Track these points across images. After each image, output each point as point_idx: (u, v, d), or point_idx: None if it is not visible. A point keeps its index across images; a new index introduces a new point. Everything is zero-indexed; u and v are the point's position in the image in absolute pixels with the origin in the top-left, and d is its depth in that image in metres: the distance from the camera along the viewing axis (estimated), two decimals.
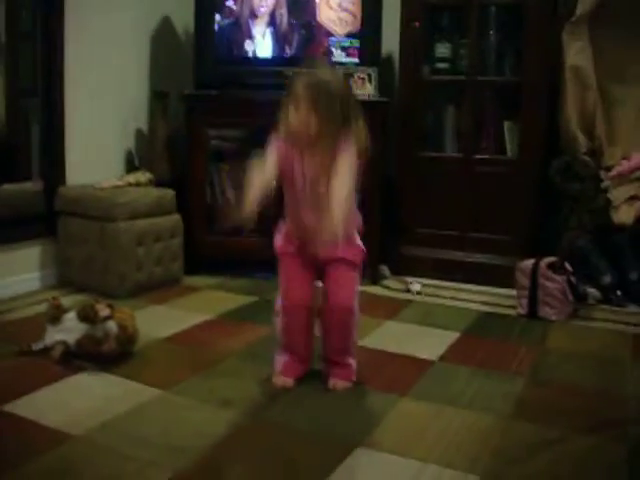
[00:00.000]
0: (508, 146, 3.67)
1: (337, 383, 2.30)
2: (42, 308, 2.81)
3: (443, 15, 3.77)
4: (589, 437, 2.01)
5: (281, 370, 2.35)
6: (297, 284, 2.32)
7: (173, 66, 4.15)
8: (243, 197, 2.17)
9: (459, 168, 3.70)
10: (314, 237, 2.23)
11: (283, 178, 2.27)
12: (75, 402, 2.16)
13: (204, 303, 3.27)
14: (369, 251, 3.49)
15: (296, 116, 2.15)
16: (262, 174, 2.19)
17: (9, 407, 2.10)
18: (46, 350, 2.50)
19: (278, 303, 2.37)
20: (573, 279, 3.20)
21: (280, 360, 2.37)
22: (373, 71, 3.58)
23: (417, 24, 3.65)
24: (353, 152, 2.19)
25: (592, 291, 3.36)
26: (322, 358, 2.39)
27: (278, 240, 2.38)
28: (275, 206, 2.34)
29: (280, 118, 2.22)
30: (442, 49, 3.76)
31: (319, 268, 2.33)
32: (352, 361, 2.35)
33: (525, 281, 3.18)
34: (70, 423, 2.00)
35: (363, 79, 3.57)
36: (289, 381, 2.32)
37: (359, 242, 2.36)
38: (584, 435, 2.02)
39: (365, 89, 3.56)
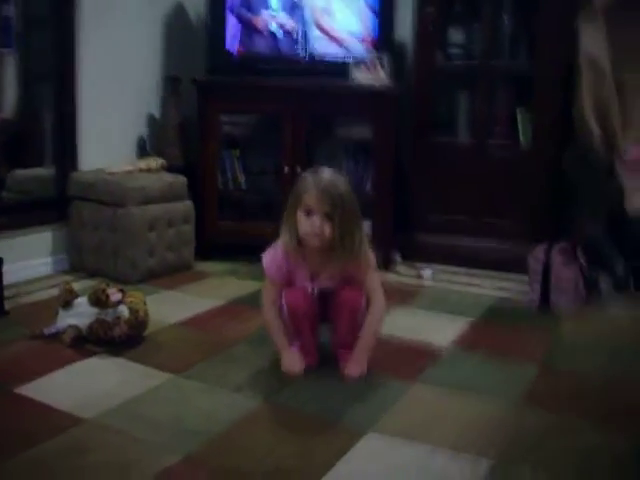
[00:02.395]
0: (521, 133, 3.64)
1: (350, 368, 2.29)
2: (54, 293, 2.83)
3: (456, 0, 3.73)
4: (602, 425, 2.00)
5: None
6: (299, 292, 2.32)
7: (185, 52, 4.13)
8: (277, 347, 2.34)
9: (472, 154, 3.68)
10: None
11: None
12: (87, 385, 2.17)
13: (215, 288, 3.28)
14: (381, 237, 3.52)
15: (309, 222, 2.17)
16: (273, 313, 2.33)
17: (22, 390, 2.11)
18: (58, 334, 2.51)
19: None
20: (585, 267, 3.18)
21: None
22: (385, 57, 3.56)
23: (430, 9, 3.63)
24: (373, 263, 2.31)
25: (604, 279, 3.33)
26: (333, 345, 2.39)
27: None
28: None
29: (284, 223, 2.25)
30: (455, 35, 3.73)
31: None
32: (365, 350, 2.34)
33: (538, 267, 3.16)
34: (82, 406, 2.01)
35: (375, 65, 3.55)
36: (299, 365, 2.31)
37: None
38: (597, 423, 2.01)
39: (377, 75, 3.54)
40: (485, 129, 3.68)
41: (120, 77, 3.74)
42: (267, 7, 3.73)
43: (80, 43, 3.47)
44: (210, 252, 3.73)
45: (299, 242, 2.23)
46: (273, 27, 3.74)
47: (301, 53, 3.70)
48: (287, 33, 3.72)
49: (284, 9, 3.72)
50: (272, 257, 2.30)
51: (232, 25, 3.74)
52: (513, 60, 3.64)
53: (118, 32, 3.69)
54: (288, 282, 2.32)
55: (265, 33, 3.74)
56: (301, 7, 3.70)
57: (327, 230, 2.17)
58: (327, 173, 2.23)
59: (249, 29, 3.75)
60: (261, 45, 3.77)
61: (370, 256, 2.30)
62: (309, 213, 2.17)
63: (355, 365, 2.26)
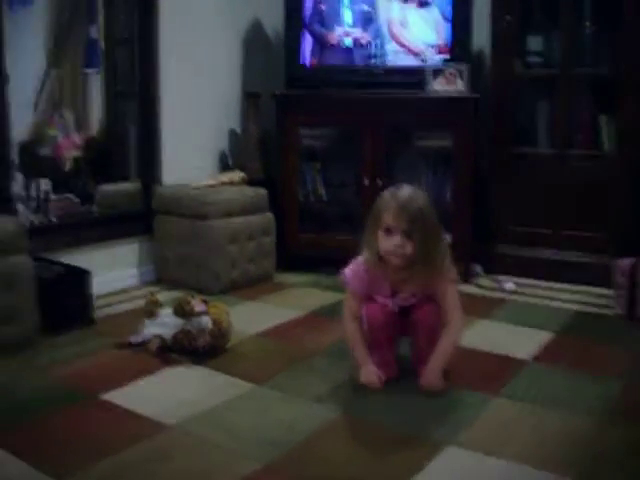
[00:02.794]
0: (604, 141, 3.55)
1: (424, 379, 2.27)
2: (140, 303, 2.91)
3: (535, 6, 3.69)
4: None
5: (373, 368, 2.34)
6: (378, 306, 2.33)
7: (264, 67, 4.22)
8: (357, 361, 2.33)
9: (553, 164, 3.61)
10: None
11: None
12: (170, 394, 2.23)
13: (296, 300, 3.32)
14: (461, 249, 3.48)
15: (390, 241, 2.17)
16: (354, 327, 2.33)
17: (108, 396, 2.19)
18: (143, 344, 2.59)
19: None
20: None
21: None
22: (464, 67, 3.54)
23: (508, 17, 3.59)
24: (453, 279, 2.30)
25: None
26: (413, 361, 2.38)
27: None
28: None
29: (365, 241, 2.25)
30: (534, 42, 3.67)
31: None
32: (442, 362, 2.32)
33: (624, 280, 3.07)
34: (165, 413, 2.07)
35: (454, 75, 3.53)
36: (378, 379, 2.29)
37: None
38: None
39: (456, 85, 3.53)
40: (566, 138, 3.61)
41: (201, 93, 3.84)
42: (341, 23, 3.77)
43: (162, 61, 3.58)
44: (291, 264, 3.78)
45: (380, 259, 2.23)
46: (348, 42, 3.77)
47: (377, 65, 3.72)
48: (362, 46, 3.75)
49: (358, 23, 3.75)
50: (354, 271, 2.30)
51: (309, 40, 3.79)
52: (594, 66, 3.56)
53: (199, 49, 3.80)
54: (369, 297, 2.33)
55: (340, 47, 3.78)
56: (376, 20, 3.72)
57: (408, 248, 2.16)
58: (406, 190, 2.22)
59: (324, 44, 3.79)
60: (337, 59, 3.81)
61: (452, 270, 2.29)
62: (389, 232, 2.17)
63: (430, 376, 2.24)
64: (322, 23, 3.79)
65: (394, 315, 2.31)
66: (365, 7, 3.73)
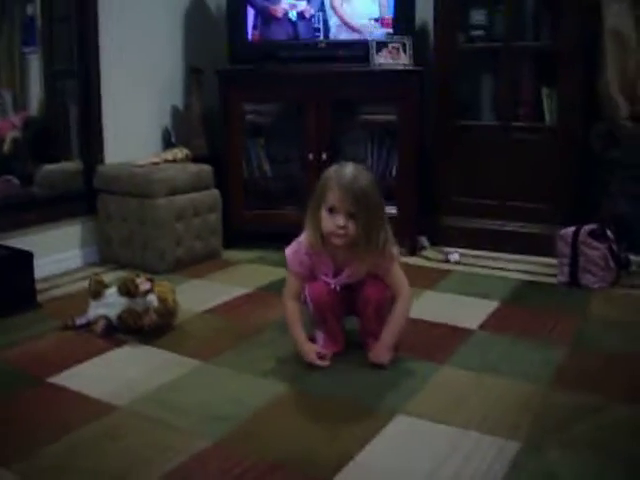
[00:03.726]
0: (546, 113, 3.60)
1: (375, 355, 2.28)
2: (84, 285, 2.86)
3: None
4: (631, 405, 1.99)
5: (320, 344, 2.36)
6: (321, 284, 2.32)
7: (206, 43, 4.16)
8: (294, 341, 2.32)
9: (497, 136, 3.65)
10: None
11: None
12: (118, 374, 2.20)
13: (243, 276, 3.30)
14: (407, 221, 3.51)
15: (332, 221, 2.15)
16: (292, 307, 2.33)
17: (55, 379, 2.16)
18: (89, 324, 2.56)
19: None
20: (615, 246, 3.15)
21: (318, 336, 2.38)
22: (407, 40, 3.54)
23: None
24: (396, 258, 2.29)
25: (634, 258, 3.30)
26: (360, 335, 2.40)
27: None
28: None
29: (308, 219, 2.23)
30: (477, 16, 3.68)
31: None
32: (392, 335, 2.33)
33: (566, 249, 3.14)
34: (114, 394, 2.04)
35: (397, 49, 3.53)
36: (325, 362, 2.27)
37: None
38: (626, 403, 2.00)
39: (400, 59, 3.53)
40: (509, 110, 3.64)
41: (142, 70, 3.77)
42: None
43: (102, 38, 3.50)
44: (237, 240, 3.76)
45: (323, 239, 2.21)
46: (292, 15, 3.73)
47: (321, 40, 3.70)
48: (306, 20, 3.72)
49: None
50: (295, 251, 2.30)
51: (252, 15, 3.74)
52: (536, 40, 3.60)
53: (139, 25, 3.72)
54: (311, 276, 2.32)
55: (284, 21, 3.74)
56: None
57: (351, 229, 2.14)
58: (350, 169, 2.18)
59: (268, 18, 3.75)
60: (281, 34, 3.77)
61: (394, 251, 2.27)
62: (332, 211, 2.15)
63: (381, 351, 2.26)
64: None
65: (338, 294, 2.31)
66: None
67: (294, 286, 2.33)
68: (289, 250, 2.32)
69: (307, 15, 3.71)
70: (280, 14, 3.74)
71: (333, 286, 2.29)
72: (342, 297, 2.32)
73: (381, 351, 2.26)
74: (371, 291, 2.28)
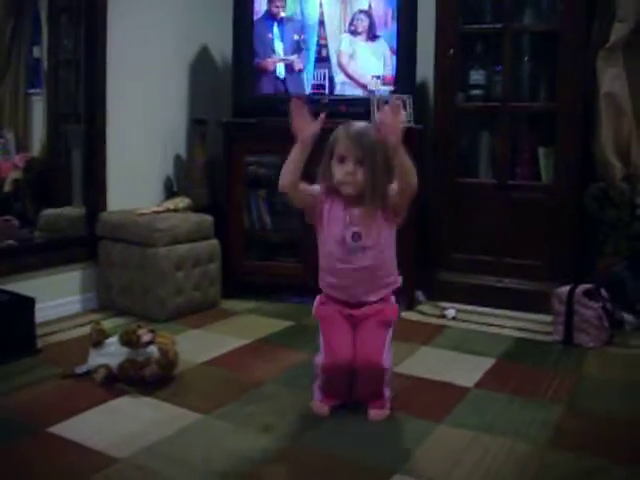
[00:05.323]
0: (543, 172, 3.68)
1: (375, 413, 2.30)
2: (84, 331, 2.89)
3: (477, 42, 3.80)
4: (628, 468, 2.00)
5: (319, 398, 2.37)
6: (340, 341, 2.32)
7: (211, 94, 4.23)
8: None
9: (494, 194, 3.71)
10: (350, 290, 2.35)
11: (321, 229, 2.37)
12: (118, 425, 2.20)
13: (242, 327, 3.32)
14: (404, 276, 3.52)
15: (342, 169, 2.25)
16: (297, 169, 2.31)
17: (54, 429, 2.16)
18: (89, 373, 2.56)
19: (319, 358, 2.36)
20: (609, 306, 3.19)
21: (318, 390, 2.39)
22: (408, 98, 3.62)
23: (452, 51, 3.70)
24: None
25: (629, 317, 3.34)
26: (358, 394, 2.37)
27: (316, 304, 2.43)
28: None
29: (321, 172, 2.33)
30: (476, 76, 3.78)
31: (354, 325, 2.36)
32: (387, 390, 2.35)
33: (561, 307, 3.17)
34: (114, 446, 2.05)
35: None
36: (326, 408, 2.33)
37: (393, 301, 2.42)
38: (623, 466, 2.01)
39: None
40: (507, 169, 3.72)
41: (148, 119, 3.84)
42: (293, 52, 3.81)
43: (109, 85, 3.56)
44: (236, 290, 3.78)
45: (334, 192, 2.29)
46: (280, 70, 3.83)
47: (325, 96, 3.77)
48: (296, 72, 3.81)
49: (298, 52, 3.81)
50: (319, 188, 2.35)
51: (258, 68, 3.82)
52: (533, 100, 3.69)
53: (146, 75, 3.80)
54: (321, 219, 2.34)
55: (290, 77, 3.82)
56: (327, 52, 3.78)
57: (359, 176, 2.22)
58: (359, 124, 2.31)
59: (274, 73, 3.83)
60: (284, 88, 3.84)
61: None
62: (342, 160, 2.24)
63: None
64: (272, 52, 3.82)
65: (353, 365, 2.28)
66: (303, 36, 3.80)
67: (306, 187, 2.34)
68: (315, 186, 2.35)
69: (314, 74, 3.79)
70: (286, 70, 3.82)
71: (346, 238, 2.29)
72: (350, 330, 2.33)
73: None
74: (367, 356, 2.26)
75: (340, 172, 2.25)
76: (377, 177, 2.22)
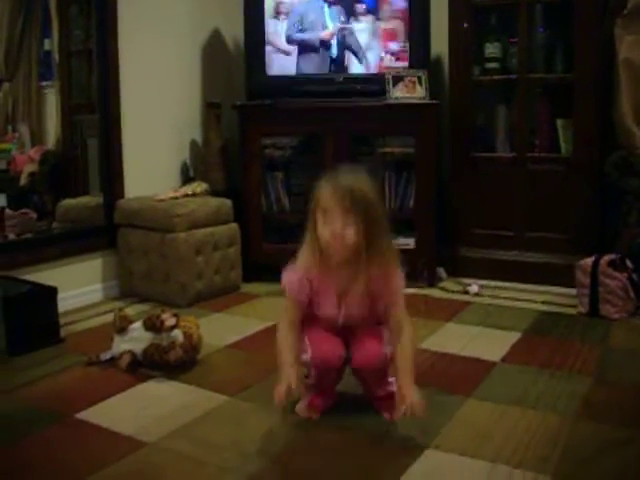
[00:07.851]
0: (562, 144, 3.63)
1: (392, 413, 2.08)
2: (106, 319, 2.89)
3: (491, 15, 3.75)
4: None
5: (307, 404, 2.18)
6: (326, 339, 2.11)
7: (225, 77, 4.22)
8: (280, 372, 2.03)
9: (513, 168, 3.68)
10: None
11: (309, 307, 2.10)
12: (145, 410, 2.21)
13: (263, 310, 3.32)
14: (425, 254, 3.50)
15: (329, 228, 1.92)
16: (287, 331, 2.06)
17: (82, 415, 2.17)
18: (114, 359, 2.57)
19: (307, 354, 2.12)
20: (634, 276, 3.15)
21: (309, 395, 2.20)
22: (423, 74, 3.59)
23: (465, 25, 3.66)
24: (403, 285, 2.06)
25: None
26: (366, 397, 2.22)
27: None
28: None
29: (306, 237, 2.02)
30: (491, 49, 3.74)
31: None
32: (390, 382, 2.18)
33: (585, 279, 3.14)
34: (142, 430, 2.05)
35: (414, 82, 3.58)
36: (315, 415, 2.16)
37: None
38: None
39: (416, 92, 3.57)
40: (525, 142, 3.68)
41: (162, 105, 3.82)
42: (305, 32, 3.78)
43: (122, 73, 3.55)
44: (256, 273, 3.77)
45: (322, 257, 1.99)
46: (311, 51, 3.79)
47: (338, 74, 3.74)
48: (325, 56, 3.77)
49: (319, 34, 3.78)
50: (292, 274, 2.06)
51: (270, 49, 3.79)
52: (550, 71, 3.64)
53: (159, 61, 3.79)
54: (312, 305, 2.09)
55: (303, 57, 3.79)
56: (340, 30, 3.74)
57: (349, 233, 1.91)
58: (345, 171, 1.98)
59: (286, 53, 3.80)
60: (299, 69, 3.81)
61: (401, 276, 2.04)
62: (327, 214, 1.92)
63: (408, 392, 1.96)
64: (285, 32, 3.80)
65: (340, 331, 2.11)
66: (315, 16, 3.77)
67: (292, 312, 2.07)
68: (288, 275, 2.07)
69: (327, 51, 3.76)
70: (299, 50, 3.79)
71: (338, 318, 2.08)
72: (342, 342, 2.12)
73: (409, 394, 1.95)
74: (366, 360, 2.08)
75: (326, 231, 1.92)
76: (372, 234, 1.93)
